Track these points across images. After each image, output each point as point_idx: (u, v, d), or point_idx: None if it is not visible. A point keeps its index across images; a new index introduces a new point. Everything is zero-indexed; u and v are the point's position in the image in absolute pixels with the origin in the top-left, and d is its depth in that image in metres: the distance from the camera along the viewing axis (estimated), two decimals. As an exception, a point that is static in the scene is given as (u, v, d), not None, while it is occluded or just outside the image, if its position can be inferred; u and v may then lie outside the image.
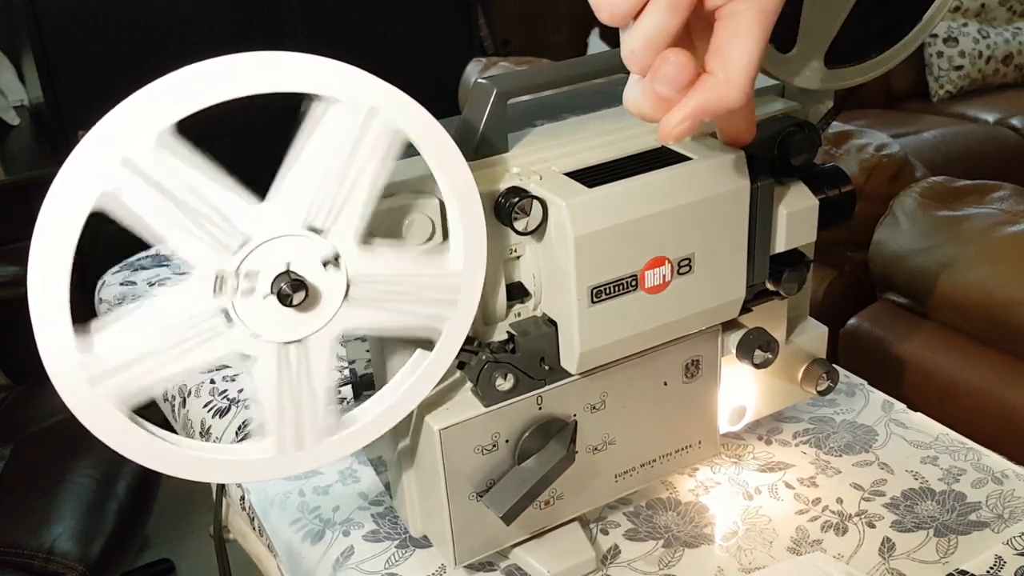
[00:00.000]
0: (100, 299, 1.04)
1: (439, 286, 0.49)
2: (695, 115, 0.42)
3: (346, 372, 0.61)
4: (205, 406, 0.81)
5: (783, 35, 0.54)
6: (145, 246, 1.11)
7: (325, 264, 0.45)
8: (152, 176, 0.40)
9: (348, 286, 0.46)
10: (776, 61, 0.55)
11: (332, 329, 0.47)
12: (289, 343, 0.46)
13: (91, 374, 0.43)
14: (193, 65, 0.40)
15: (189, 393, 0.84)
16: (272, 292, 0.44)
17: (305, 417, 0.48)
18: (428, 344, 0.51)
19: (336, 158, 0.44)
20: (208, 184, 0.42)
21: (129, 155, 0.40)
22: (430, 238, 0.51)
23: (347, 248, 0.45)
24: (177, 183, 0.41)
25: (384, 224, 0.49)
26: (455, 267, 0.49)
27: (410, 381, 0.51)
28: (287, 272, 0.44)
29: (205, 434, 0.80)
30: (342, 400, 0.77)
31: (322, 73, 0.42)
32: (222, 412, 0.79)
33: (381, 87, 0.44)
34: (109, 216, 0.41)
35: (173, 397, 0.86)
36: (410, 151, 0.47)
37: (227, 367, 0.84)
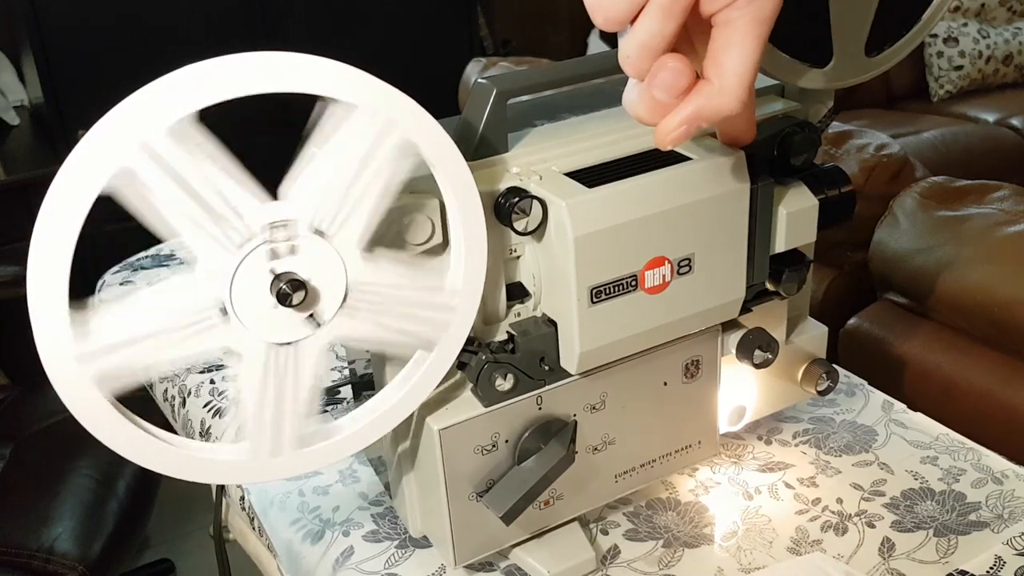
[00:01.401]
0: (100, 300, 1.04)
1: (436, 305, 0.49)
2: (690, 122, 0.42)
3: (346, 372, 0.61)
4: (205, 406, 0.81)
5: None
6: (145, 246, 1.12)
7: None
8: (168, 163, 0.40)
9: (347, 293, 0.46)
10: (776, 61, 0.55)
11: (325, 336, 0.47)
12: (280, 344, 0.46)
13: (81, 352, 0.42)
14: (217, 59, 0.40)
15: (189, 393, 0.84)
16: (271, 292, 0.44)
17: (286, 424, 0.48)
18: (428, 344, 0.51)
19: (350, 165, 0.44)
20: (223, 178, 0.42)
21: (147, 139, 0.40)
22: (429, 238, 0.51)
23: (350, 254, 0.45)
24: (192, 173, 0.41)
25: (383, 224, 0.49)
26: (454, 285, 0.49)
27: (411, 383, 0.51)
28: (289, 271, 0.44)
29: (205, 434, 0.80)
30: (342, 400, 0.77)
31: (343, 78, 0.43)
32: (222, 412, 0.79)
33: (399, 99, 0.44)
34: (119, 201, 0.41)
35: (173, 397, 0.86)
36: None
37: (227, 367, 0.84)
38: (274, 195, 0.44)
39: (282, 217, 0.43)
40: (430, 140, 0.46)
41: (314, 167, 0.44)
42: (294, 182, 0.44)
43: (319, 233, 0.45)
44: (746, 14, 0.40)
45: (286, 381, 0.47)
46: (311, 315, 0.46)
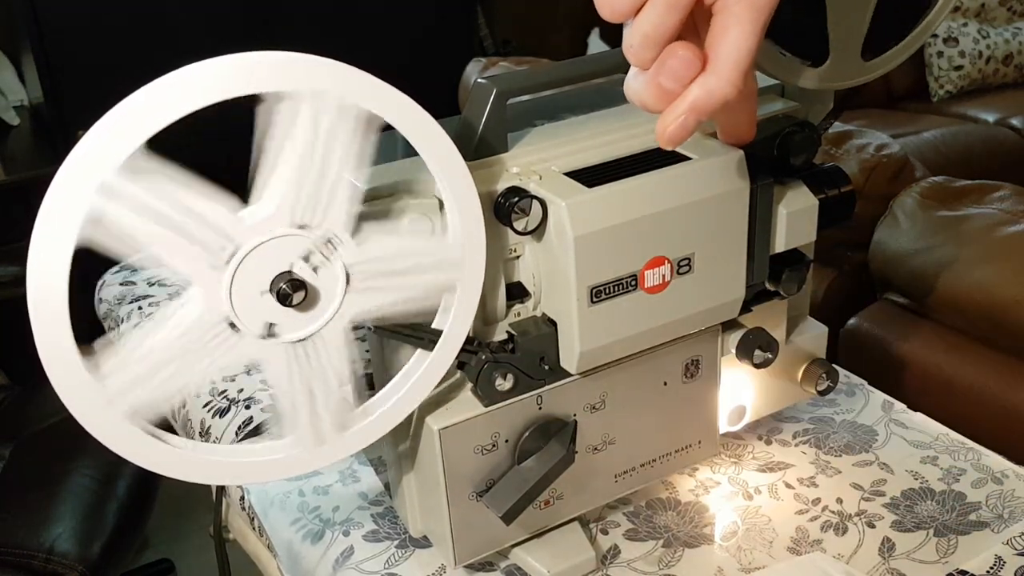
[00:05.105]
0: (100, 299, 1.04)
1: (439, 251, 0.48)
2: (687, 113, 0.42)
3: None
4: (205, 406, 0.81)
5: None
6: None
7: (307, 258, 0.45)
8: (130, 199, 0.40)
9: (348, 276, 0.46)
10: (776, 61, 0.55)
11: (339, 321, 0.47)
12: (298, 342, 0.46)
13: (105, 396, 0.43)
14: (157, 81, 0.39)
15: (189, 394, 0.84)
16: (272, 292, 0.44)
17: (322, 413, 0.49)
18: (428, 344, 0.51)
19: (313, 154, 0.43)
20: (190, 196, 0.41)
21: (104, 181, 0.39)
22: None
23: (340, 239, 0.45)
24: (157, 201, 0.41)
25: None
26: (454, 237, 0.48)
27: (411, 381, 0.51)
28: (286, 272, 0.44)
29: (205, 434, 0.80)
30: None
31: (276, 73, 0.41)
32: (222, 412, 0.79)
33: (344, 74, 0.42)
34: (96, 250, 0.41)
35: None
36: (409, 151, 0.47)
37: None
38: (245, 201, 0.43)
39: (261, 221, 0.43)
40: (426, 135, 0.46)
41: (279, 164, 0.43)
42: (264, 183, 0.43)
43: (303, 227, 0.44)
44: (741, 0, 0.41)
45: (313, 374, 0.47)
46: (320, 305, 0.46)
